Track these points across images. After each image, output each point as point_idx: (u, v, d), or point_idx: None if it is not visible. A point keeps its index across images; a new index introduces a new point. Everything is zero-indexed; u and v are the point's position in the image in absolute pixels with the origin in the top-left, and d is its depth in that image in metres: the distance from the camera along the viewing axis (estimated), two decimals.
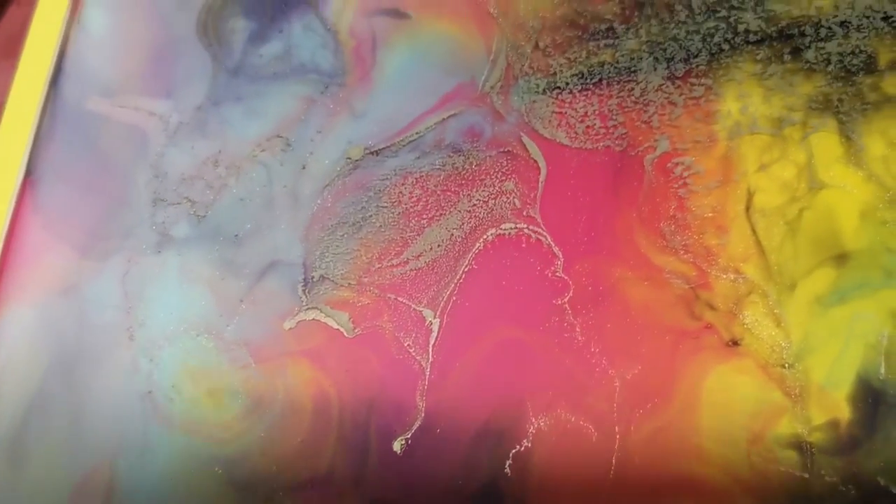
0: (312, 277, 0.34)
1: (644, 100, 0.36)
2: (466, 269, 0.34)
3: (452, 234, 0.34)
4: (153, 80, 0.37)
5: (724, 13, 0.37)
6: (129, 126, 0.36)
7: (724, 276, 0.33)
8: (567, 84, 0.36)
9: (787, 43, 0.36)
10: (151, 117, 0.36)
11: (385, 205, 0.35)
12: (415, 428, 0.32)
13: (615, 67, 0.36)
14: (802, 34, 0.37)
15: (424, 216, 0.34)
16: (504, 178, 0.35)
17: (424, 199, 0.35)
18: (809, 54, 0.36)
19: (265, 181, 0.35)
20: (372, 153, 0.35)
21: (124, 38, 0.38)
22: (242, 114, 0.36)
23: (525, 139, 0.36)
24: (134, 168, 0.36)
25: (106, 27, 0.38)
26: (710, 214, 0.34)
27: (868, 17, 0.36)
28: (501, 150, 0.35)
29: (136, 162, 0.36)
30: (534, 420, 0.32)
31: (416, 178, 0.35)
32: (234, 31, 0.38)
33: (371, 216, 0.35)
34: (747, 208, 0.34)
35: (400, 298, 0.34)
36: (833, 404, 0.31)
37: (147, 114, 0.36)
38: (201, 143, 0.36)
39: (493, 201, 0.35)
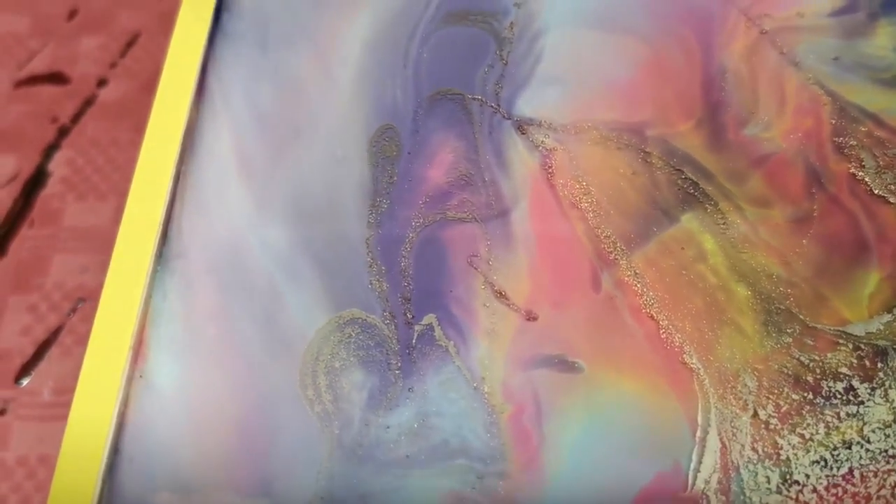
0: None
1: None
2: None
3: None
4: (246, 466, 0.27)
5: None
6: None
7: None
8: (808, 477, 0.26)
9: None
10: None
11: None
12: None
13: (868, 451, 0.27)
14: None
15: None
16: None
17: None
18: None
19: None
20: None
21: (202, 398, 0.28)
22: None
23: None
24: None
25: (177, 382, 0.28)
26: None
27: None
28: None
29: None
30: None
31: None
32: (350, 387, 0.28)
33: None
34: None
35: None
36: None
37: None
38: None
39: None
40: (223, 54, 0.37)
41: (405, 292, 0.31)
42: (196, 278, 0.31)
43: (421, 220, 0.32)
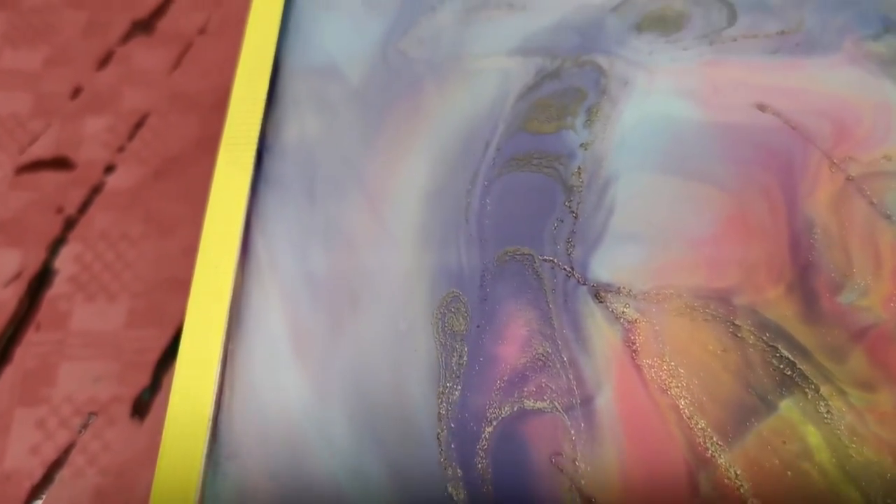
0: None
1: None
2: None
3: None
4: None
5: None
6: None
7: None
8: None
9: None
10: None
11: None
12: None
13: None
14: None
15: None
16: None
17: None
18: None
19: None
20: None
21: None
22: None
23: None
24: None
25: None
26: None
27: None
28: None
29: None
30: None
31: None
32: None
33: None
34: None
35: None
36: None
37: None
38: None
39: None
40: (267, 205, 0.34)
41: (486, 502, 0.28)
42: (252, 484, 0.28)
43: (496, 411, 0.29)
